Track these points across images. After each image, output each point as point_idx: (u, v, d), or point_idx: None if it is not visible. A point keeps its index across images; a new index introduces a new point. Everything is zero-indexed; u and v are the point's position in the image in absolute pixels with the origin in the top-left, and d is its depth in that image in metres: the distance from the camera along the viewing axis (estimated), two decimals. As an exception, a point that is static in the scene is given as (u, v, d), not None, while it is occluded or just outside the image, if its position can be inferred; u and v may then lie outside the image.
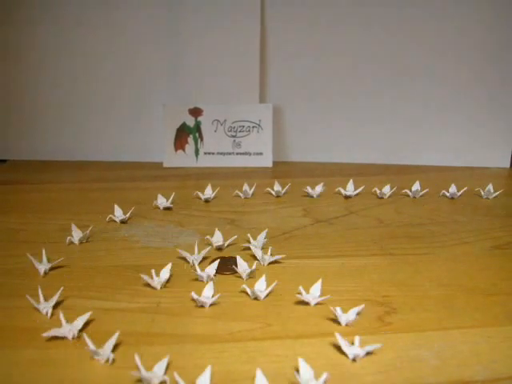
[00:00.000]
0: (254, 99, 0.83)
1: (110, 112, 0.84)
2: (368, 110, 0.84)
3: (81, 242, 0.58)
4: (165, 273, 0.50)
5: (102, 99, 0.84)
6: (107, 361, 0.38)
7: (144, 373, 0.36)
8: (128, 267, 0.52)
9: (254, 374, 0.37)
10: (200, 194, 0.70)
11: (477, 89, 0.83)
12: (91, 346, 0.38)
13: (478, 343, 0.42)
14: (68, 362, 0.39)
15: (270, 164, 0.84)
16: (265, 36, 0.82)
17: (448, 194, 0.73)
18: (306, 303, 0.47)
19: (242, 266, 0.51)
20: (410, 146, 0.86)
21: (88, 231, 0.59)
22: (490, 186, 0.73)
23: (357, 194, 0.73)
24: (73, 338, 0.41)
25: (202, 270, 0.51)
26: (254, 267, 0.51)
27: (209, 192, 0.71)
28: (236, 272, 0.51)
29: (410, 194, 0.73)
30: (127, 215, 0.64)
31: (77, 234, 0.58)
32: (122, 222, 0.63)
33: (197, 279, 0.50)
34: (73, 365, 0.38)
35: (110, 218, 0.63)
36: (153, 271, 0.49)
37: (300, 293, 0.47)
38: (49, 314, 0.44)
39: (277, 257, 0.53)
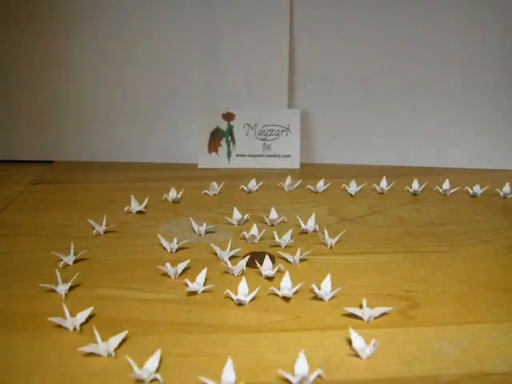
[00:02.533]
0: (283, 105, 0.84)
1: (149, 117, 0.85)
2: (391, 115, 0.84)
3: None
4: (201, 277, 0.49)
5: (142, 106, 0.84)
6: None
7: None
8: (166, 261, 0.53)
9: (284, 363, 0.38)
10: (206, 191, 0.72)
11: (498, 96, 0.82)
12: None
13: (496, 337, 0.41)
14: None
15: (297, 166, 0.83)
16: (293, 46, 0.82)
17: (472, 192, 0.72)
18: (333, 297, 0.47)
19: (266, 265, 0.51)
20: (429, 149, 0.85)
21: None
22: (508, 187, 0.72)
23: (382, 193, 0.73)
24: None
25: (234, 264, 0.51)
26: (276, 268, 0.50)
27: (253, 184, 0.74)
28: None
29: (440, 191, 0.73)
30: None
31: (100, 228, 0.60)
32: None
33: (227, 272, 0.51)
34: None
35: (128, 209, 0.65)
36: (187, 280, 0.48)
37: (314, 290, 0.47)
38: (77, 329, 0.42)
39: (305, 254, 0.53)
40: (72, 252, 0.53)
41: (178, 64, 0.82)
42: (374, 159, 0.85)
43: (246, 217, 0.63)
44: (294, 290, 0.47)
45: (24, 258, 0.54)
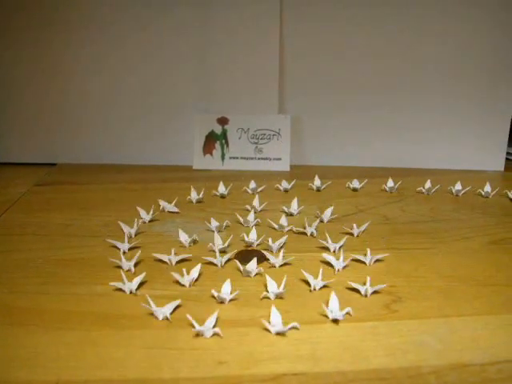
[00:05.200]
0: (274, 111, 0.83)
1: (147, 121, 0.84)
2: (375, 120, 0.83)
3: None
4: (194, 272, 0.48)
5: (141, 111, 0.84)
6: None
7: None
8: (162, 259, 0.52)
9: (273, 355, 0.37)
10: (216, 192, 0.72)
11: (480, 98, 0.81)
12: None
13: (477, 329, 0.41)
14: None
15: (287, 168, 0.83)
16: (283, 54, 0.81)
17: (454, 191, 0.72)
18: (321, 292, 0.46)
19: (251, 266, 0.49)
20: (413, 151, 0.84)
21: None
22: (488, 187, 0.72)
23: (363, 188, 0.73)
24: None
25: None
26: (257, 270, 0.49)
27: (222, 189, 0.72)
28: (261, 262, 0.51)
29: (423, 190, 0.73)
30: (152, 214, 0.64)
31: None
32: (151, 220, 0.63)
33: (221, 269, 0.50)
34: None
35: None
36: (184, 270, 0.48)
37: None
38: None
39: (288, 259, 0.51)
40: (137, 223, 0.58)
41: (174, 74, 0.82)
42: (361, 161, 0.85)
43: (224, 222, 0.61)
44: (281, 288, 0.46)
45: (27, 257, 0.53)
